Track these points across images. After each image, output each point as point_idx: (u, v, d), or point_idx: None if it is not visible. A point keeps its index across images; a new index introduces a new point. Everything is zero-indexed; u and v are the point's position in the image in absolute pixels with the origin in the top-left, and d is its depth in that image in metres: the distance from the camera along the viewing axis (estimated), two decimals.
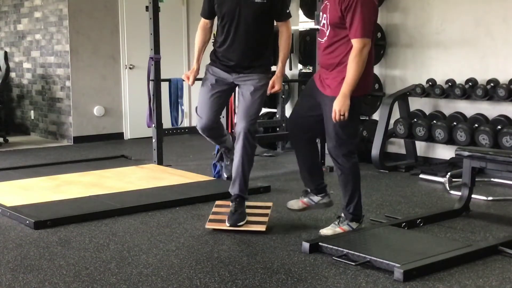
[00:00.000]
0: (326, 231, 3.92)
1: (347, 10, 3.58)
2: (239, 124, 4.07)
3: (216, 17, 4.21)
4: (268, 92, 4.12)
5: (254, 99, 4.09)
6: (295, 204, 4.15)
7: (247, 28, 4.04)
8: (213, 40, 4.33)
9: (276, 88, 4.11)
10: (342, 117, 3.62)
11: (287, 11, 4.17)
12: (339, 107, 3.61)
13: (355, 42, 3.60)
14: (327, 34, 3.73)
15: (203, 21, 4.26)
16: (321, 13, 3.80)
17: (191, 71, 4.26)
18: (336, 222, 3.95)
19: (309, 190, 4.10)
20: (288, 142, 7.74)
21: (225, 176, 5.43)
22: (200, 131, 4.30)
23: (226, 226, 4.05)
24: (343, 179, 3.87)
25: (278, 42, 4.19)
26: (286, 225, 4.21)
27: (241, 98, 4.14)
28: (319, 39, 3.85)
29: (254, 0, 4.00)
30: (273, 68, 4.29)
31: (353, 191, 3.87)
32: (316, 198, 4.09)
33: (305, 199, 4.12)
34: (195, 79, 4.25)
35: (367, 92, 3.93)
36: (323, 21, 3.76)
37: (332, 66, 3.73)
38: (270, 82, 4.11)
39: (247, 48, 4.08)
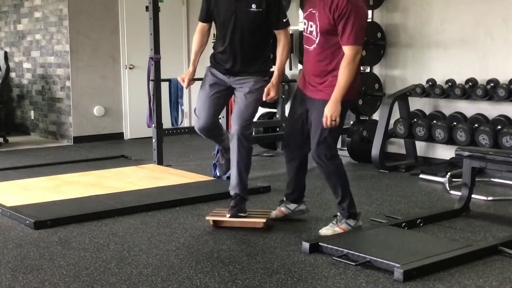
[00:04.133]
0: (325, 231, 3.94)
1: (340, 18, 3.60)
2: (233, 126, 4.09)
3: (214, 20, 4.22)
4: (264, 98, 4.11)
5: (248, 102, 4.09)
6: (273, 213, 4.24)
7: (242, 36, 4.05)
8: (213, 41, 4.33)
9: (271, 95, 4.08)
10: (333, 122, 3.66)
11: (284, 20, 4.12)
12: (330, 112, 3.65)
13: (348, 49, 3.63)
14: (317, 41, 3.75)
15: (200, 24, 4.27)
16: (305, 21, 3.82)
17: (186, 73, 4.29)
18: (334, 222, 3.97)
19: (284, 199, 4.24)
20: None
21: (218, 174, 5.42)
22: (197, 131, 4.31)
23: (226, 217, 4.07)
24: (332, 181, 3.92)
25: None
26: (286, 225, 4.21)
27: (237, 100, 4.15)
28: (306, 46, 3.85)
29: (250, 9, 4.00)
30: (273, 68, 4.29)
31: (343, 191, 3.91)
32: (293, 206, 4.22)
33: (282, 208, 4.23)
34: (190, 81, 4.27)
35: (354, 98, 3.96)
36: (310, 29, 3.78)
37: (324, 73, 3.76)
38: (266, 89, 4.09)
39: (242, 55, 4.09)
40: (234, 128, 4.08)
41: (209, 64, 4.28)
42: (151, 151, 6.40)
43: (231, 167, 4.20)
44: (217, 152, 5.45)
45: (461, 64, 6.22)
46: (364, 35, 3.70)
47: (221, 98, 4.23)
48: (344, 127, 5.60)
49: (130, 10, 8.45)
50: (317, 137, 3.80)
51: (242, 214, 4.10)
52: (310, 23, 3.77)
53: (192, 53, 4.32)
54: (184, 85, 4.27)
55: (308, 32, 3.80)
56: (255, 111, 4.18)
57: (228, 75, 4.16)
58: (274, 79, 4.11)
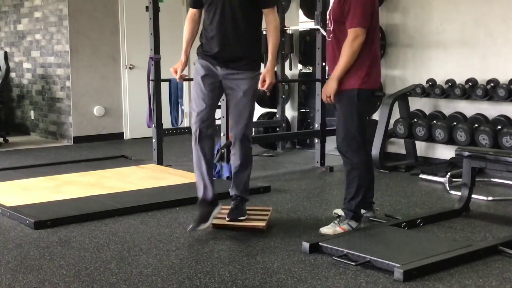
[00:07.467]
0: (326, 229, 3.95)
1: (345, 3, 3.76)
2: (234, 130, 4.01)
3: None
4: (259, 87, 3.96)
5: (245, 103, 3.96)
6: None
7: (233, 14, 3.87)
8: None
9: (268, 81, 3.93)
10: (328, 99, 3.85)
11: None
12: (324, 89, 3.88)
13: (349, 32, 3.77)
14: (332, 30, 3.90)
15: (191, 11, 4.10)
16: (328, 16, 3.99)
17: (178, 63, 4.07)
18: (336, 221, 3.97)
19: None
20: (288, 142, 7.75)
21: (226, 176, 5.45)
22: (195, 127, 4.00)
23: (226, 221, 4.06)
24: (350, 174, 3.92)
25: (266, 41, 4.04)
26: (286, 225, 4.21)
27: (232, 103, 4.01)
28: (327, 38, 4.00)
29: None
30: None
31: (358, 188, 3.91)
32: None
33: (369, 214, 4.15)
34: (183, 71, 4.08)
35: (375, 87, 4.01)
36: (328, 20, 3.96)
37: (337, 60, 3.87)
38: (261, 76, 3.95)
39: (233, 35, 3.89)
40: (235, 132, 4.00)
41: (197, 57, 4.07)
42: (151, 151, 6.40)
43: (232, 169, 4.18)
44: (217, 152, 5.46)
45: (461, 64, 6.22)
46: (366, 17, 3.78)
47: (215, 90, 4.01)
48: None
49: (130, 10, 8.45)
50: (341, 127, 3.92)
51: (241, 218, 4.07)
52: (329, 15, 3.95)
53: (184, 41, 4.11)
54: (177, 76, 4.06)
55: (328, 23, 3.97)
56: (253, 109, 4.08)
57: (219, 66, 3.95)
58: (269, 63, 3.96)
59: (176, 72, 4.08)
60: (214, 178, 5.55)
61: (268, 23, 4.00)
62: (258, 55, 4.11)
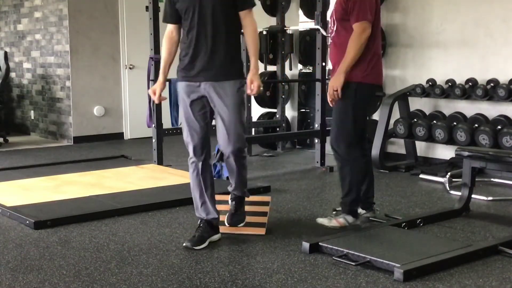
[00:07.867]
0: (322, 219, 4.04)
1: (350, 2, 3.80)
2: (227, 147, 3.80)
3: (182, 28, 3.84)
4: (249, 92, 3.78)
5: (234, 118, 3.76)
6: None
7: (212, 17, 3.70)
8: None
9: (255, 84, 3.72)
10: (335, 93, 3.84)
11: None
12: (332, 83, 3.86)
13: (355, 27, 3.80)
14: (334, 29, 3.94)
15: (168, 29, 3.91)
16: (329, 20, 4.07)
17: (157, 84, 3.92)
18: (333, 214, 4.08)
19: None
20: (288, 142, 7.75)
21: (226, 176, 5.44)
22: (194, 160, 3.82)
23: (225, 226, 4.06)
24: (343, 171, 3.97)
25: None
26: (286, 225, 4.22)
27: (221, 119, 3.77)
28: (330, 40, 4.05)
29: None
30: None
31: (351, 185, 3.95)
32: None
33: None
34: (161, 93, 3.95)
35: (376, 82, 4.03)
36: (330, 19, 4.01)
37: (342, 58, 3.89)
38: (248, 81, 3.76)
39: (213, 38, 3.71)
40: (229, 149, 3.80)
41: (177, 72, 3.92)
42: (151, 151, 6.40)
43: (230, 177, 4.05)
44: (217, 152, 5.46)
45: (461, 64, 6.22)
46: (371, 12, 3.84)
47: (205, 115, 3.81)
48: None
49: (130, 10, 8.45)
50: (335, 121, 3.94)
51: (241, 225, 4.05)
52: (331, 16, 4.01)
53: (161, 61, 3.93)
54: (156, 98, 3.92)
55: (330, 22, 4.03)
56: (244, 118, 3.88)
57: (200, 81, 3.76)
58: (253, 66, 3.76)
59: (154, 94, 3.92)
60: (214, 178, 5.58)
61: (246, 26, 3.81)
62: (240, 60, 3.91)
